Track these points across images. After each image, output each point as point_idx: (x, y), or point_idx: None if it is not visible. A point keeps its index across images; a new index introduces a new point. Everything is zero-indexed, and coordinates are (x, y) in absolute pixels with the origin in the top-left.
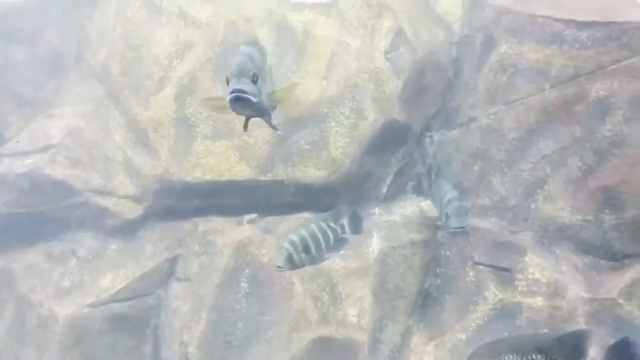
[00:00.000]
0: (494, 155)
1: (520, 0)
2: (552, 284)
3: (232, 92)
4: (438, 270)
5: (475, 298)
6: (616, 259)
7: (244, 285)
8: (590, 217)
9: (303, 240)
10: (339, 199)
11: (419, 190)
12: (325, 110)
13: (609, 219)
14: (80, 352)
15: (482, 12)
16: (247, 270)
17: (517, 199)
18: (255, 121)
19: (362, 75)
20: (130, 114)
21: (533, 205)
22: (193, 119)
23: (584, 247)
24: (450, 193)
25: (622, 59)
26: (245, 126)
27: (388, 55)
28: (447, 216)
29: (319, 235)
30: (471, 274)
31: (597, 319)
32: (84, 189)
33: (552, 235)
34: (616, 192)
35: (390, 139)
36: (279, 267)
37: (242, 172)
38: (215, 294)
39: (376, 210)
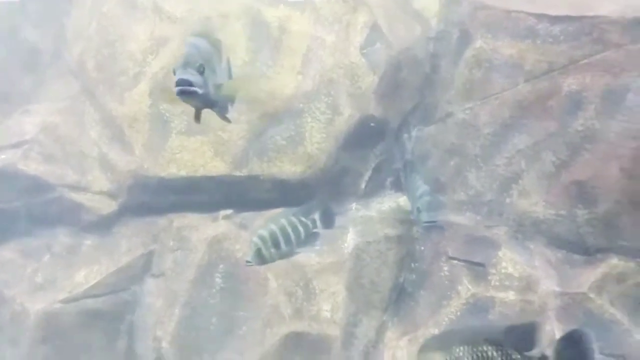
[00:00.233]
0: (470, 150)
1: None
2: (525, 279)
3: (177, 82)
4: (413, 265)
5: (448, 293)
6: (589, 253)
7: (218, 280)
8: (563, 212)
9: (272, 235)
10: (315, 195)
11: (397, 186)
12: (301, 105)
13: (581, 213)
14: (51, 348)
15: (458, 7)
16: (221, 266)
17: (493, 194)
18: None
19: (338, 70)
20: (106, 109)
21: (508, 200)
22: (168, 115)
23: (557, 242)
24: (422, 187)
25: (594, 53)
26: (197, 117)
27: (364, 51)
28: (419, 210)
29: (289, 229)
30: (445, 268)
31: (567, 313)
32: (58, 184)
33: (527, 230)
34: (589, 186)
35: (367, 135)
36: (247, 262)
37: (217, 167)
38: (189, 289)
39: (353, 205)
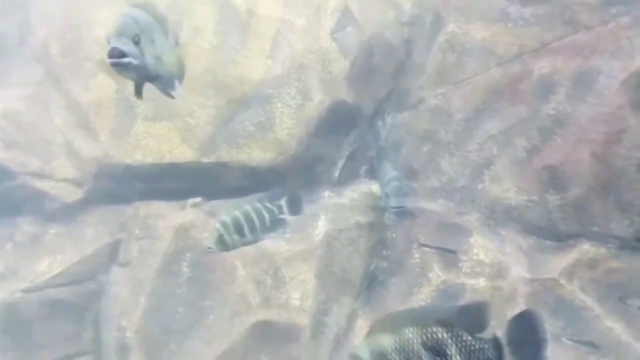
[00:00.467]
0: (442, 136)
1: None
2: (495, 265)
3: (109, 53)
4: (384, 252)
5: (419, 280)
6: (560, 239)
7: (185, 269)
8: (535, 198)
9: (235, 220)
10: (287, 182)
11: (372, 174)
12: (271, 90)
13: (553, 199)
14: (12, 338)
15: None
16: (188, 255)
17: (465, 180)
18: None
19: (308, 55)
20: (71, 95)
21: (480, 186)
22: (133, 100)
23: (529, 228)
24: (391, 173)
25: (564, 36)
26: (137, 92)
27: (334, 35)
28: (387, 196)
29: (254, 215)
30: (417, 255)
31: (537, 299)
32: (20, 172)
33: (499, 217)
34: (560, 171)
35: (339, 121)
36: (209, 248)
37: (184, 154)
38: (155, 278)
39: (326, 193)
